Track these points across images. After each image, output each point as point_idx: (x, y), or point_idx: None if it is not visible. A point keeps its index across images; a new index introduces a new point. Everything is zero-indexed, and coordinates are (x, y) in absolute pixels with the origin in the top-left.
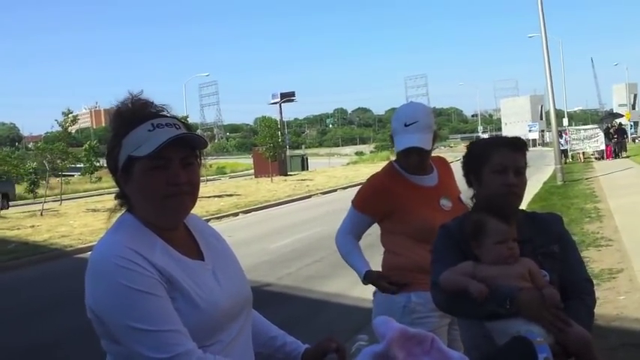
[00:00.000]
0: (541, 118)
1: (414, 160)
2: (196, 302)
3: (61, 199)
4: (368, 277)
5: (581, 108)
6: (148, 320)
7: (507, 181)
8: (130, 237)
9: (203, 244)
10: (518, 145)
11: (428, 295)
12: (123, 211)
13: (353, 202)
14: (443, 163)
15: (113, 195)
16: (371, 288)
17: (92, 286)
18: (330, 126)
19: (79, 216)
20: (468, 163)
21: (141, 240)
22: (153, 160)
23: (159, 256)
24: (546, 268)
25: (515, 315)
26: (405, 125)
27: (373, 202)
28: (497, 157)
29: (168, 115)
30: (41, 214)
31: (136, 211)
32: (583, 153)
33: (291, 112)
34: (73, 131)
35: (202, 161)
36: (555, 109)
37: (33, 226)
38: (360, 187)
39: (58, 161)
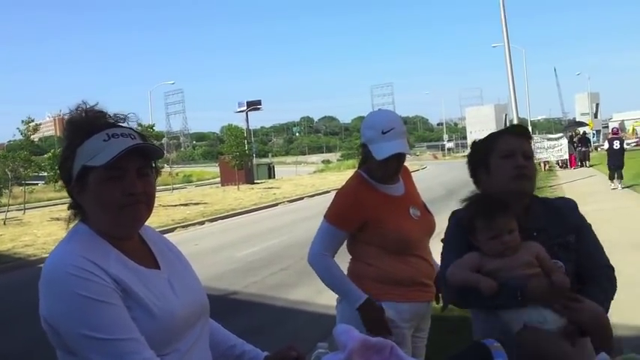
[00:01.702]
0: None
1: (393, 168)
2: (152, 311)
3: (25, 208)
4: (367, 307)
5: (544, 117)
6: (104, 329)
7: (517, 163)
8: (84, 246)
9: (158, 253)
10: (522, 131)
11: (397, 305)
12: (77, 221)
13: (326, 217)
14: (405, 172)
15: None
16: (336, 296)
17: (46, 296)
18: (297, 134)
19: (43, 225)
20: (475, 157)
21: (95, 249)
22: (108, 170)
23: (114, 265)
24: (562, 258)
25: (527, 304)
26: (383, 133)
27: (348, 216)
28: (503, 144)
29: (123, 125)
30: (4, 224)
31: (89, 221)
32: (547, 162)
33: (258, 120)
34: (37, 139)
35: (159, 170)
36: (519, 118)
37: None
38: (331, 201)
39: (21, 169)
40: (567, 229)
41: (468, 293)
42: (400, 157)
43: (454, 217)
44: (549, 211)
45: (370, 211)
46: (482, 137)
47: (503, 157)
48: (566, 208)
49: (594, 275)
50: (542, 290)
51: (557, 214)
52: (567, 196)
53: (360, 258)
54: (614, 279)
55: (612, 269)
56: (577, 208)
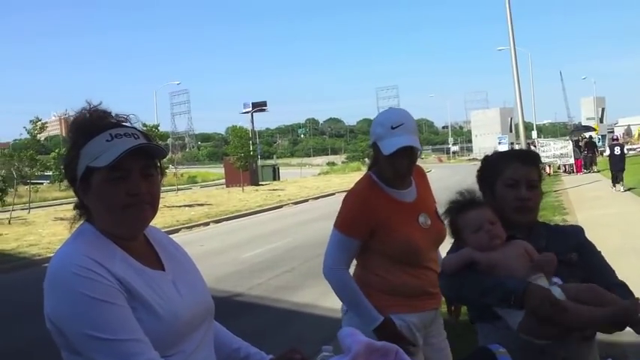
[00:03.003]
0: (510, 131)
1: (403, 165)
2: (157, 312)
3: (30, 208)
4: (385, 328)
5: (550, 121)
6: (108, 329)
7: (520, 195)
8: (89, 246)
9: (163, 254)
10: (530, 159)
11: (402, 316)
12: (82, 221)
13: (337, 225)
14: (420, 174)
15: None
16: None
17: (51, 295)
18: (302, 136)
19: (48, 224)
20: (482, 176)
21: (100, 249)
22: (112, 170)
23: (119, 266)
24: (565, 275)
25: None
26: (392, 128)
27: (358, 222)
28: (509, 171)
29: (127, 125)
30: (9, 223)
31: (95, 221)
32: (551, 166)
33: (263, 121)
34: (42, 139)
35: (163, 170)
36: (524, 122)
37: (1, 235)
38: (340, 207)
39: (27, 169)
40: (569, 247)
41: (463, 279)
42: (411, 155)
43: None
44: (552, 233)
45: (378, 216)
46: (494, 154)
47: (507, 185)
48: (571, 231)
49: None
50: (538, 300)
51: (560, 235)
52: (572, 200)
53: (365, 266)
54: (632, 295)
55: (627, 286)
56: (583, 232)
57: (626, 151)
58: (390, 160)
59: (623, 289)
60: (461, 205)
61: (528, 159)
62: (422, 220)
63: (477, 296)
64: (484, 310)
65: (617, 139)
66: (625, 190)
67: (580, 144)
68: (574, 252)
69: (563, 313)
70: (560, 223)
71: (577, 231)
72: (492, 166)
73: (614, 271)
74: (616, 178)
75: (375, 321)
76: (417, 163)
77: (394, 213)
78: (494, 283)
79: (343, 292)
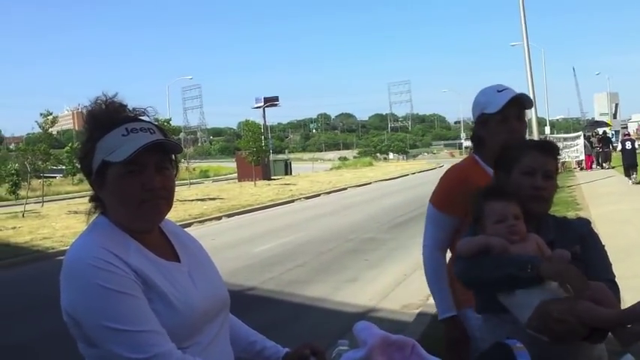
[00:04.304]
0: None
1: (515, 126)
2: (173, 303)
3: (43, 201)
4: (448, 324)
5: (563, 116)
6: (125, 320)
7: (535, 183)
8: (105, 238)
9: (179, 246)
10: (549, 149)
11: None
12: (97, 214)
13: (431, 200)
14: None
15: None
16: (352, 293)
17: (68, 287)
18: (314, 131)
19: (61, 218)
20: (500, 163)
21: (115, 241)
22: (127, 165)
23: (134, 257)
24: None
25: (536, 284)
26: (498, 91)
27: (454, 199)
28: (527, 159)
29: (143, 119)
30: (23, 216)
31: (109, 214)
32: (564, 162)
33: (275, 116)
34: (55, 132)
35: (178, 166)
36: (537, 117)
37: (14, 228)
38: (438, 182)
39: (40, 162)
40: (573, 240)
41: (477, 263)
42: (520, 116)
43: None
44: (560, 225)
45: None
46: (513, 143)
47: (523, 173)
48: (577, 224)
49: None
50: (556, 267)
51: (566, 227)
52: (586, 195)
53: (454, 252)
54: (618, 294)
55: (616, 285)
56: (589, 224)
57: (637, 146)
58: (501, 120)
59: (612, 287)
60: (490, 191)
61: (547, 149)
62: None
63: (491, 269)
64: (492, 299)
65: (628, 135)
66: (636, 183)
67: (592, 139)
68: (577, 244)
69: (584, 289)
70: (569, 217)
71: (582, 223)
72: (511, 154)
73: (610, 266)
74: (629, 172)
75: (442, 313)
76: (430, 160)
77: None
78: (510, 257)
79: (429, 275)
